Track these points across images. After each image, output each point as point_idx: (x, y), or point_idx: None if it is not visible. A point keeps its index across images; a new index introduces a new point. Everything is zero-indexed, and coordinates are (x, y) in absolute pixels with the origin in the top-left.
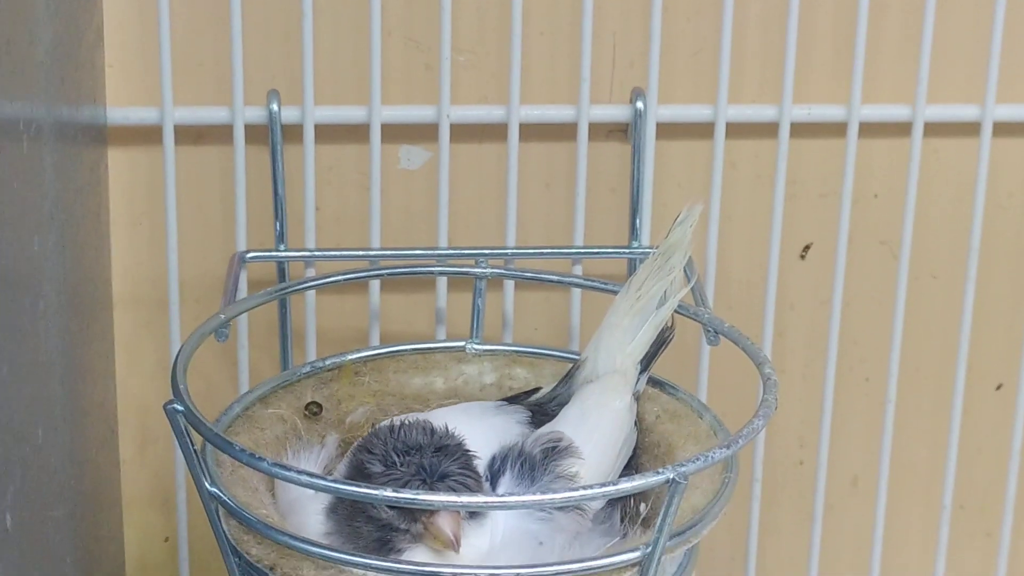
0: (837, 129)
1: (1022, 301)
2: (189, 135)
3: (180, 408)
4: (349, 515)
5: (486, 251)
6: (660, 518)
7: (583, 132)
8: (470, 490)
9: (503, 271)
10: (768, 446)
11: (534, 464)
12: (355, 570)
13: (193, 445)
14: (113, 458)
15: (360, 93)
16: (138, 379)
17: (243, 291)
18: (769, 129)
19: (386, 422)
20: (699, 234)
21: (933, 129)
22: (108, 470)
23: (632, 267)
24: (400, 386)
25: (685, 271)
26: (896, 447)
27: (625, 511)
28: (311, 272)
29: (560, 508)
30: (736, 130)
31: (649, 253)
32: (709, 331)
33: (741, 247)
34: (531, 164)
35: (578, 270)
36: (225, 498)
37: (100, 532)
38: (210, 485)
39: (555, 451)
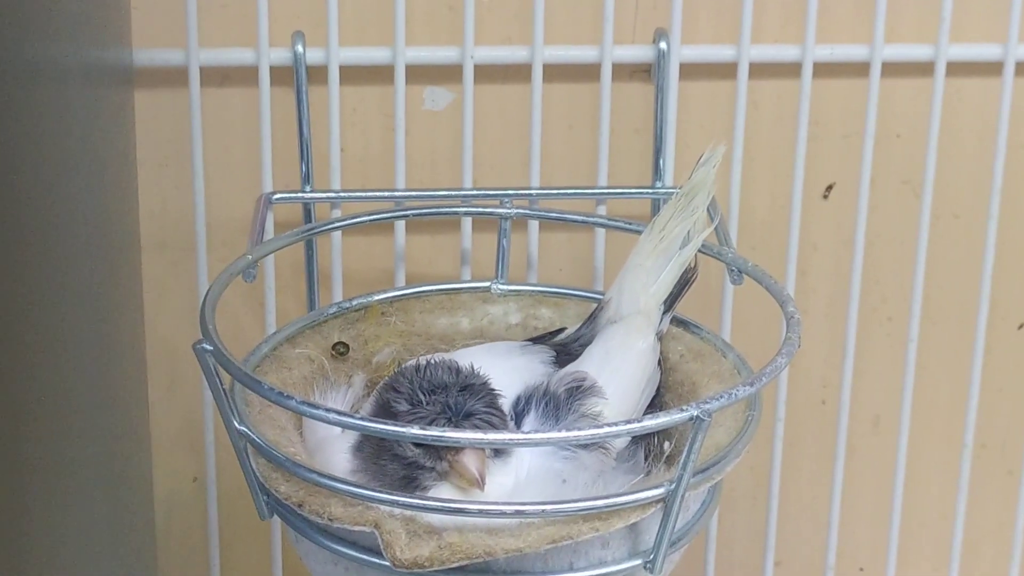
0: (860, 69)
1: None
2: (214, 77)
3: (209, 348)
4: (375, 453)
5: (510, 191)
6: (684, 455)
7: (606, 73)
8: (495, 428)
9: (527, 211)
10: (791, 386)
11: (558, 403)
12: (381, 507)
13: (222, 384)
14: (142, 398)
15: (384, 34)
16: (167, 320)
17: (270, 232)
18: (792, 69)
19: (412, 361)
20: (722, 174)
21: (956, 69)
22: (137, 410)
23: (656, 207)
24: (426, 326)
25: (708, 211)
26: (918, 387)
27: (649, 449)
28: (337, 213)
29: (584, 446)
30: (759, 70)
31: (672, 193)
32: (732, 270)
33: (764, 187)
34: (555, 105)
35: (602, 210)
36: (254, 436)
37: (129, 472)
38: (239, 424)
39: (579, 390)
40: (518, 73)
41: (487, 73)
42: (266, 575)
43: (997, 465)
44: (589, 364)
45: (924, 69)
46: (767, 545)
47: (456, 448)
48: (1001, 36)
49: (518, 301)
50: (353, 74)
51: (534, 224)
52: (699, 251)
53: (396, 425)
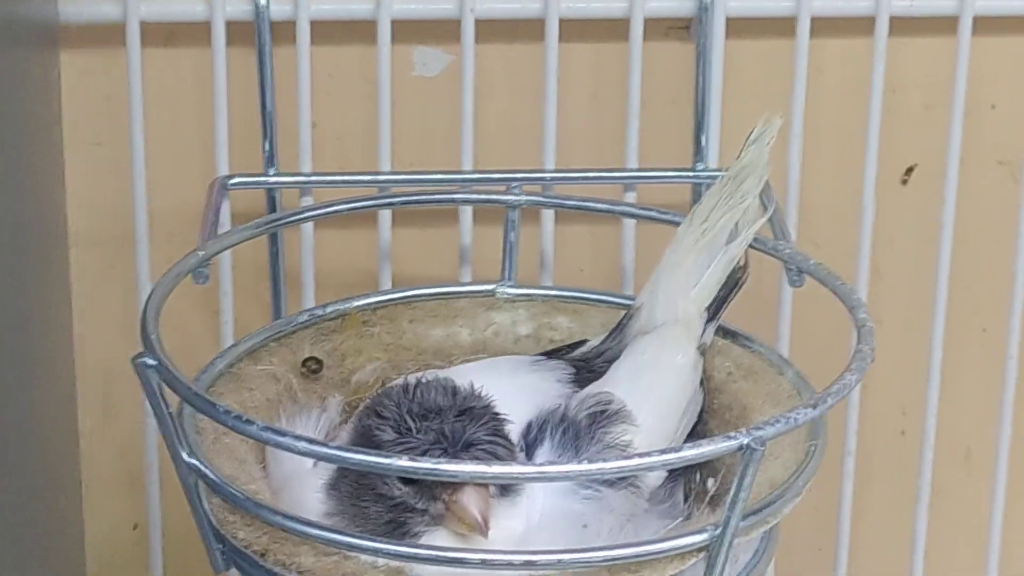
0: (946, 24)
1: None
2: (158, 35)
3: (152, 363)
4: (354, 492)
5: (520, 175)
6: (731, 493)
7: (637, 29)
8: (501, 461)
9: (540, 199)
10: (863, 411)
11: (578, 431)
12: (362, 556)
13: (168, 408)
14: (70, 429)
15: None
16: (100, 332)
17: (226, 224)
18: (863, 25)
19: (399, 381)
20: (778, 153)
21: None
22: (64, 444)
23: (697, 194)
24: (417, 338)
25: (761, 198)
26: (1018, 413)
27: (689, 487)
28: (307, 201)
29: (609, 483)
30: (823, 26)
31: (717, 177)
32: (791, 269)
33: (829, 169)
34: (574, 69)
35: (631, 197)
36: (207, 471)
37: (54, 517)
38: (188, 456)
39: (603, 416)
40: (529, 30)
41: (491, 30)
42: None
43: None
44: (616, 384)
45: None
46: None
47: (454, 485)
48: None
49: (529, 308)
50: (327, 31)
51: (548, 214)
52: (750, 247)
53: (380, 457)
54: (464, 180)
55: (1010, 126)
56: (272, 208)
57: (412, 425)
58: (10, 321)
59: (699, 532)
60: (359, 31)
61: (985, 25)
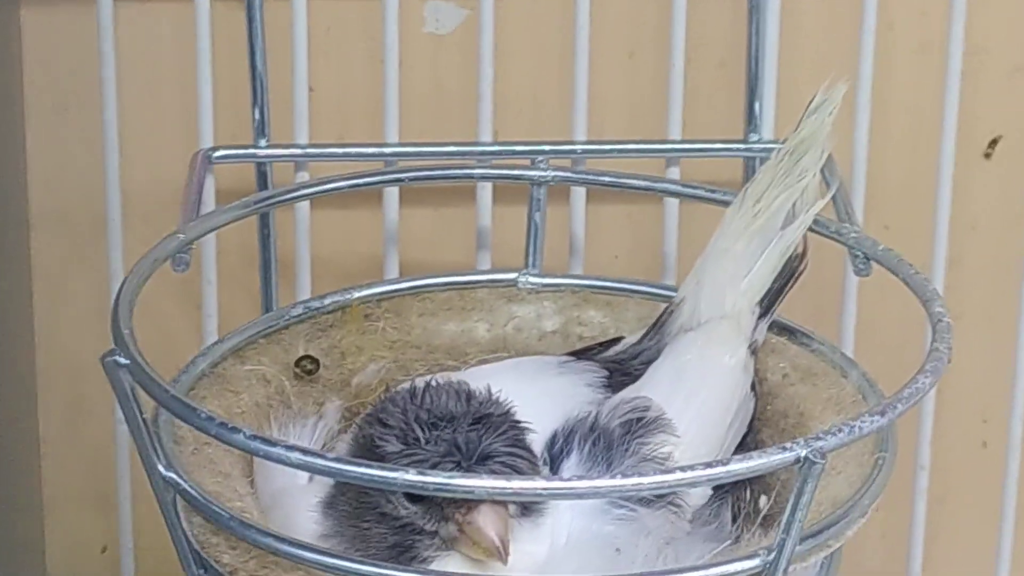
0: None
1: None
2: None
3: (124, 361)
4: (355, 511)
5: (546, 147)
6: (787, 513)
7: None
8: (522, 475)
9: (570, 174)
10: (938, 419)
11: (611, 442)
12: None
13: (143, 413)
14: (30, 437)
15: None
16: (65, 325)
17: (210, 204)
18: None
19: (407, 384)
20: (842, 124)
21: None
22: (23, 454)
23: (749, 170)
24: (427, 335)
25: (823, 175)
26: None
27: (738, 506)
28: (303, 177)
29: (646, 502)
30: None
31: (773, 150)
32: (857, 256)
33: (901, 141)
34: (608, 26)
35: (674, 173)
36: (186, 486)
37: (11, 540)
38: (165, 469)
39: (640, 425)
40: None
41: None
42: None
43: None
44: (655, 388)
45: None
46: None
47: (468, 504)
48: None
49: (556, 300)
50: None
51: (579, 193)
52: (809, 231)
53: (384, 471)
54: (482, 153)
55: None
56: (263, 185)
57: (420, 435)
58: None
59: (750, 558)
60: None
61: None
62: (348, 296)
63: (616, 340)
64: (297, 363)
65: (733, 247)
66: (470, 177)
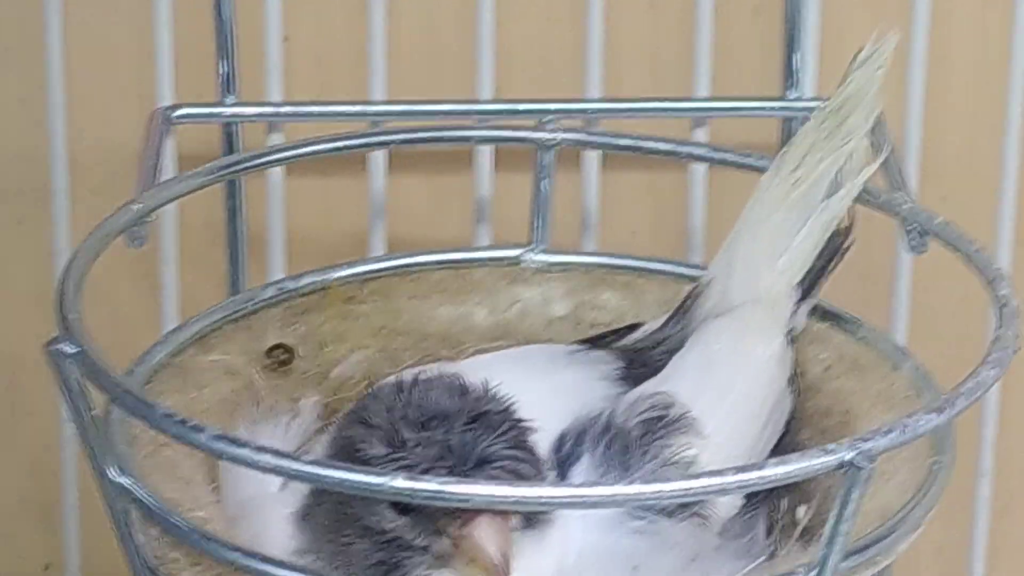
0: None
1: None
2: None
3: (71, 350)
4: (334, 523)
5: (554, 106)
6: (830, 525)
7: None
8: (525, 481)
9: (581, 136)
10: (1004, 418)
11: (627, 444)
12: None
13: (92, 410)
14: None
15: None
16: (4, 311)
17: (169, 170)
18: None
19: (393, 377)
20: (894, 80)
21: None
22: None
23: (787, 132)
24: (417, 320)
25: (872, 137)
26: None
27: (774, 517)
28: (277, 139)
29: (668, 511)
30: None
31: (814, 110)
32: (911, 231)
33: (960, 101)
34: None
35: (702, 136)
36: (140, 493)
37: None
38: (117, 474)
39: (661, 424)
40: None
41: None
42: None
43: None
44: (679, 381)
45: None
46: None
47: (463, 515)
48: None
49: (566, 280)
50: None
51: (592, 158)
52: (856, 202)
53: (368, 476)
54: (481, 112)
55: None
56: (230, 149)
57: (409, 436)
58: None
59: (789, 575)
60: None
61: None
62: (327, 276)
63: (634, 327)
64: (268, 353)
65: (769, 220)
66: (467, 140)
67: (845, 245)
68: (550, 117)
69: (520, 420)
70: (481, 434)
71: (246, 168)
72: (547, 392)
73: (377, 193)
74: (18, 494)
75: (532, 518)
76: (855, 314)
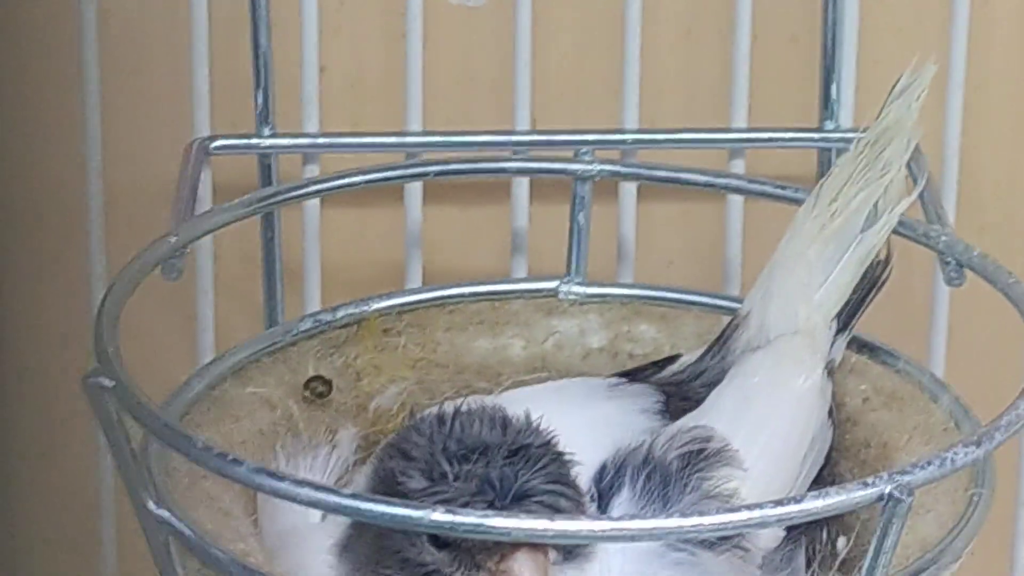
0: None
1: None
2: None
3: (108, 383)
4: (373, 556)
5: (591, 136)
6: (869, 558)
7: None
8: (566, 515)
9: (618, 168)
10: None
11: (668, 477)
12: None
13: (130, 443)
14: None
15: None
16: (39, 344)
17: (206, 202)
18: None
19: (432, 409)
20: (931, 110)
21: None
22: None
23: (824, 163)
24: (455, 352)
25: (909, 169)
26: None
27: (814, 550)
28: (313, 171)
29: (709, 544)
30: None
31: (852, 140)
32: (948, 263)
33: (999, 131)
34: None
35: (738, 167)
36: (180, 526)
37: None
38: (156, 506)
39: (701, 457)
40: None
41: None
42: None
43: None
44: (718, 415)
45: None
46: None
47: (502, 548)
48: None
49: (603, 312)
50: None
51: (629, 190)
52: (893, 234)
53: (407, 509)
54: (518, 143)
55: None
56: (266, 180)
57: (448, 469)
58: None
59: None
60: None
61: None
62: (364, 308)
63: (672, 359)
64: (306, 385)
65: (806, 252)
66: (504, 172)
67: (882, 277)
68: (586, 148)
69: (561, 453)
70: (521, 468)
71: (282, 200)
72: (587, 425)
73: (413, 224)
74: (55, 528)
75: (572, 551)
76: (893, 346)
